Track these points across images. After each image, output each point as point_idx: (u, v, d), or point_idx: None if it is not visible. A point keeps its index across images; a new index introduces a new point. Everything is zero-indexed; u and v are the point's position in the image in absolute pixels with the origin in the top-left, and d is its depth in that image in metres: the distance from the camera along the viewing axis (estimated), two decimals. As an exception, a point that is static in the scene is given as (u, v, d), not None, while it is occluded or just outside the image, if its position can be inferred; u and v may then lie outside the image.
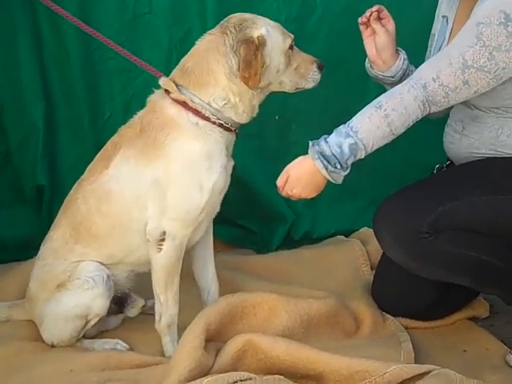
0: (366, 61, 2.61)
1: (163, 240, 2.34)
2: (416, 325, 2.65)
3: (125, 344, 2.49)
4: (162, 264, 2.37)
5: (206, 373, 2.21)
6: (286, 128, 3.32)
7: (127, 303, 2.55)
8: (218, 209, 2.49)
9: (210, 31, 2.39)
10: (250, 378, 2.14)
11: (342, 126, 2.31)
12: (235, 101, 2.33)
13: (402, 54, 2.57)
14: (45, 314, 2.44)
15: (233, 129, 2.39)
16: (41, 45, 3.10)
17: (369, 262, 3.04)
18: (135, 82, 3.15)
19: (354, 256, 3.06)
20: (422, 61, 2.49)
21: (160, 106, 2.37)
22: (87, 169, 2.49)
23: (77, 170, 2.89)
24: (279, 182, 2.39)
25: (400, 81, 2.56)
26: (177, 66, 2.41)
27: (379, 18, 2.52)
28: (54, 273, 2.42)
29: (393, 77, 2.57)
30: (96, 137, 3.14)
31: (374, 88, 2.74)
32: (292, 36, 2.40)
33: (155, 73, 2.53)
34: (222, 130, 2.35)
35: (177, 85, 2.35)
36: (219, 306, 2.44)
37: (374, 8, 2.51)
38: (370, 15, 2.51)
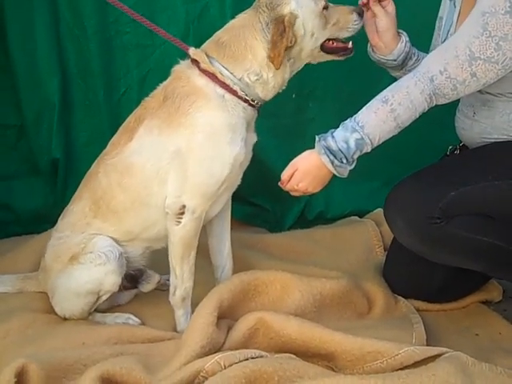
0: (368, 45, 2.57)
1: (182, 213, 2.35)
2: (428, 307, 2.64)
3: (136, 319, 2.49)
4: (180, 237, 2.37)
5: (217, 349, 2.22)
6: (303, 105, 3.29)
7: (142, 279, 2.55)
8: (238, 182, 2.49)
9: (243, 12, 2.39)
10: (262, 356, 2.15)
11: (348, 120, 2.31)
12: (267, 76, 2.34)
13: (404, 37, 2.53)
14: (56, 286, 2.46)
15: (256, 106, 2.39)
16: (57, 18, 3.08)
17: (382, 243, 3.04)
18: (151, 58, 3.13)
19: (367, 237, 3.06)
20: (429, 42, 2.44)
21: (186, 75, 2.36)
22: (109, 143, 2.47)
23: (91, 145, 2.91)
24: (285, 175, 2.39)
25: (403, 64, 2.54)
26: (210, 39, 2.40)
27: (379, 0, 2.46)
28: (68, 244, 2.43)
29: (395, 60, 2.54)
30: (111, 112, 3.14)
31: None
32: None
33: (180, 44, 2.49)
34: (246, 105, 2.36)
35: (208, 56, 2.34)
36: (232, 284, 2.44)
37: None
38: None
